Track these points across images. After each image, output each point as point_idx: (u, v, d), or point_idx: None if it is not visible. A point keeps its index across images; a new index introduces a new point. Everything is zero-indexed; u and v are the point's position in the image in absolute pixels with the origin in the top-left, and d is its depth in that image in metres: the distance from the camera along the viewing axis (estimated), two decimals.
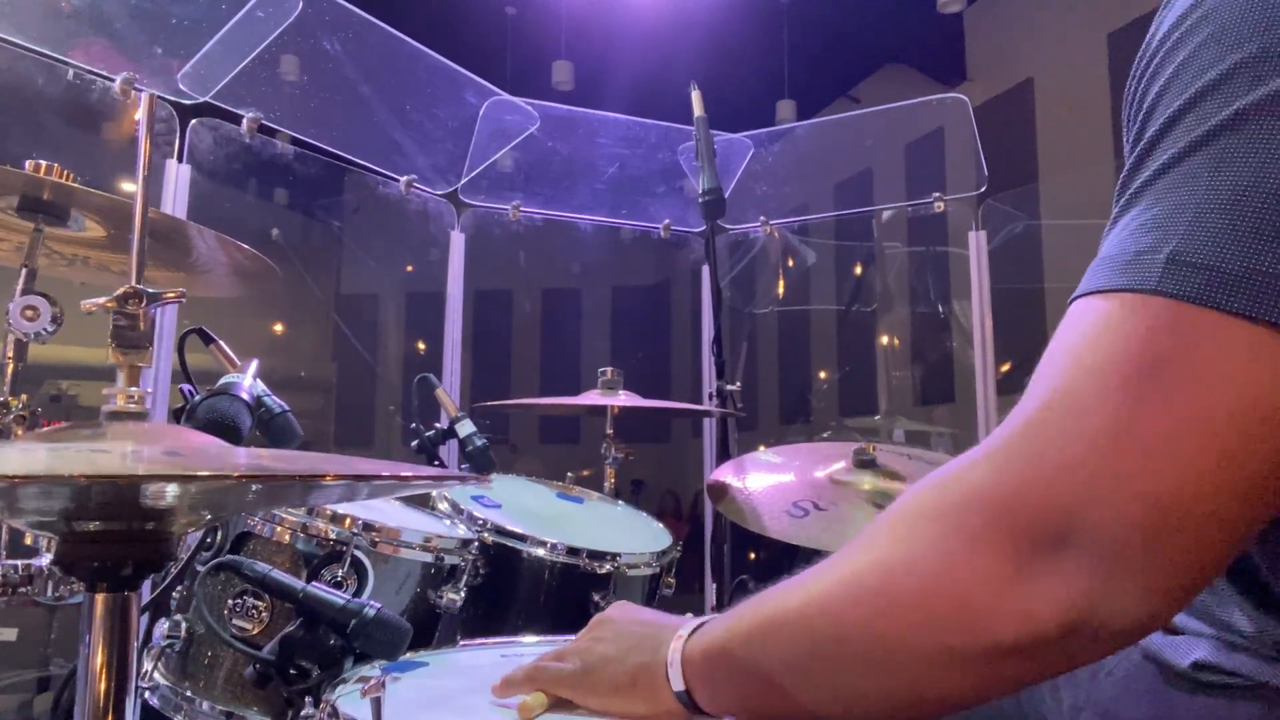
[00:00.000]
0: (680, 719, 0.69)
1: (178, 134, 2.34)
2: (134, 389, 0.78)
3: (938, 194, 3.15)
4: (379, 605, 1.09)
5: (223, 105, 2.45)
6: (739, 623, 0.65)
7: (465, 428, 1.81)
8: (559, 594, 1.59)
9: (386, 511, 1.50)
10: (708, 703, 0.67)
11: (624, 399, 2.17)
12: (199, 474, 0.58)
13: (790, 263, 5.11)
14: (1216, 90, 0.51)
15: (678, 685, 0.67)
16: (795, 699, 0.60)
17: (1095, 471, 0.48)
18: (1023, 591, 0.50)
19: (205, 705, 1.23)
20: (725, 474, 1.83)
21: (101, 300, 0.79)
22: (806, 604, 0.59)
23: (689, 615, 0.75)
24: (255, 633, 1.20)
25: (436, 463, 1.86)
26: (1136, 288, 0.50)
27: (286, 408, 1.30)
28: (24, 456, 0.67)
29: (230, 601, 1.22)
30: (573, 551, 1.58)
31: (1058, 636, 0.50)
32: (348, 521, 1.29)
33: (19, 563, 0.94)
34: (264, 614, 1.20)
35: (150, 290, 0.80)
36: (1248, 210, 0.48)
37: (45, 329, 1.09)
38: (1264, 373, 0.46)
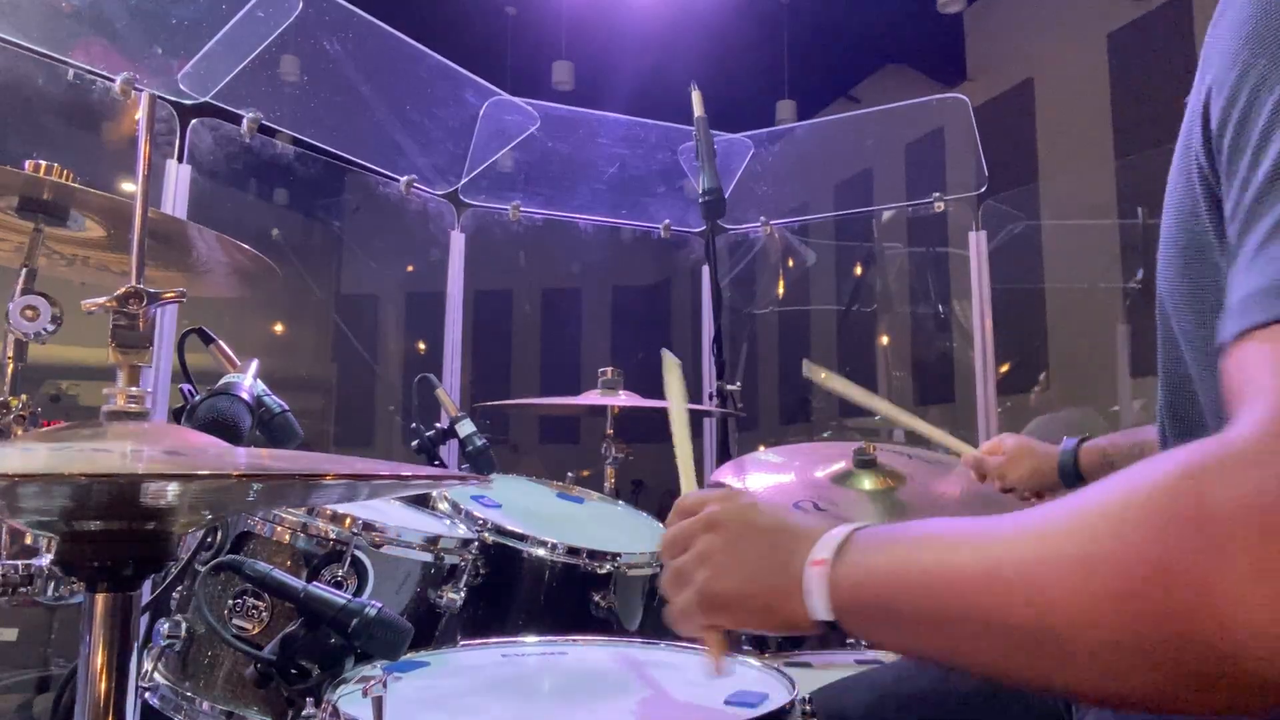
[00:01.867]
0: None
1: (178, 134, 2.34)
2: (134, 389, 0.78)
3: (938, 194, 3.15)
4: (380, 605, 1.09)
5: (223, 105, 2.45)
6: (903, 568, 0.59)
7: (465, 428, 1.81)
8: (559, 594, 1.59)
9: (387, 511, 1.50)
10: (856, 632, 0.64)
11: (624, 399, 2.17)
12: (199, 473, 0.58)
13: (790, 263, 5.12)
14: None
15: (825, 615, 0.63)
16: (961, 654, 0.55)
17: None
18: None
19: (205, 705, 1.23)
20: (725, 474, 1.83)
21: (102, 300, 0.79)
22: (993, 578, 0.52)
23: (813, 517, 0.71)
24: (256, 632, 1.20)
25: (436, 463, 1.86)
26: None
27: (286, 408, 1.30)
28: (24, 456, 0.67)
29: (230, 601, 1.22)
30: (573, 551, 1.58)
31: None
32: (348, 521, 1.29)
33: (19, 563, 0.94)
34: (264, 614, 1.20)
35: (151, 290, 0.80)
36: None
37: (45, 329, 1.09)
38: None
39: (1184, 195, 0.63)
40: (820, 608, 0.63)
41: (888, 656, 1.83)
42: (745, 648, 1.98)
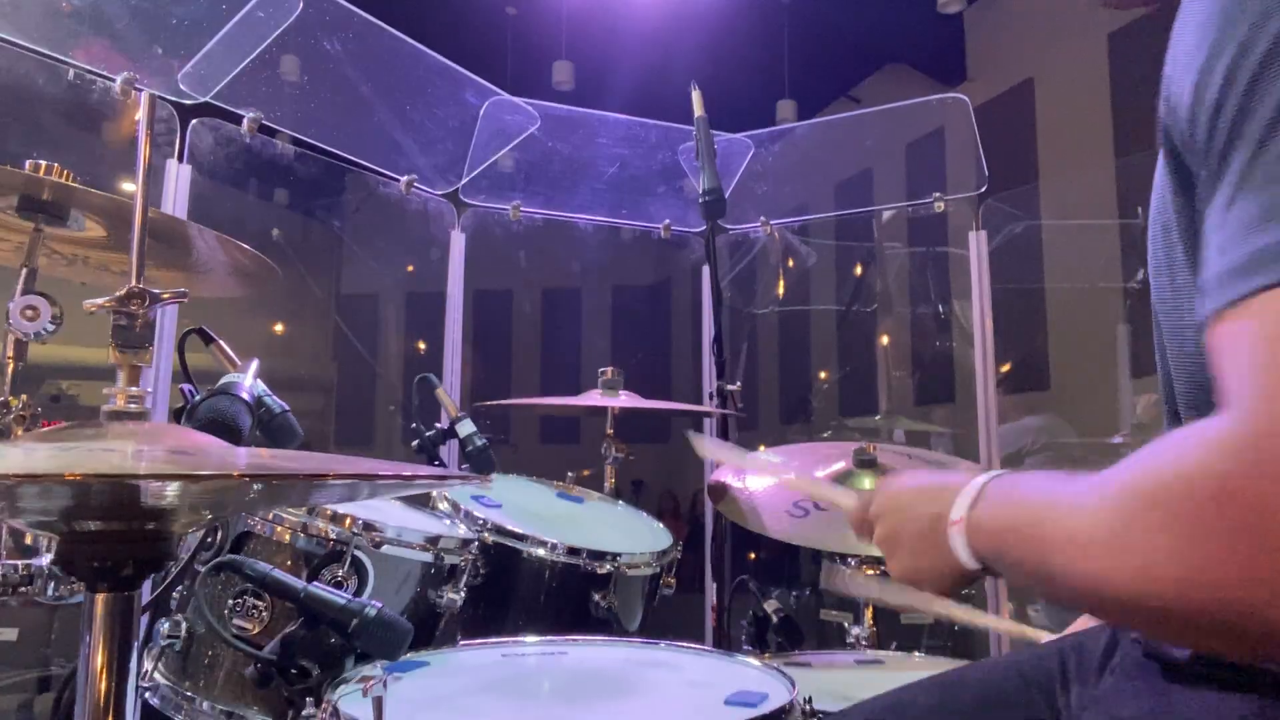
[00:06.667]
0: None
1: (178, 134, 2.33)
2: (134, 388, 0.78)
3: (938, 194, 3.14)
4: (380, 605, 1.09)
5: (223, 105, 2.44)
6: (1010, 526, 0.67)
7: (465, 428, 1.81)
8: (559, 594, 1.59)
9: (387, 511, 1.50)
10: (1004, 578, 0.73)
11: (624, 399, 2.17)
12: (203, 474, 0.58)
13: (790, 263, 5.11)
14: None
15: (974, 565, 0.71)
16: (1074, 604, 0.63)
17: None
18: None
19: (205, 705, 1.23)
20: (725, 474, 1.83)
21: (103, 300, 0.79)
22: (1074, 559, 0.58)
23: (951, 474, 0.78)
24: (256, 632, 1.20)
25: (437, 463, 1.86)
26: None
27: (286, 408, 1.29)
28: (25, 456, 0.67)
29: (231, 601, 1.22)
30: (573, 551, 1.58)
31: None
32: (348, 521, 1.29)
33: (19, 563, 0.94)
34: (264, 614, 1.20)
35: (152, 290, 0.80)
36: None
37: (45, 329, 1.09)
38: None
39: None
40: (967, 558, 0.71)
41: (885, 657, 1.83)
42: (746, 648, 1.98)
